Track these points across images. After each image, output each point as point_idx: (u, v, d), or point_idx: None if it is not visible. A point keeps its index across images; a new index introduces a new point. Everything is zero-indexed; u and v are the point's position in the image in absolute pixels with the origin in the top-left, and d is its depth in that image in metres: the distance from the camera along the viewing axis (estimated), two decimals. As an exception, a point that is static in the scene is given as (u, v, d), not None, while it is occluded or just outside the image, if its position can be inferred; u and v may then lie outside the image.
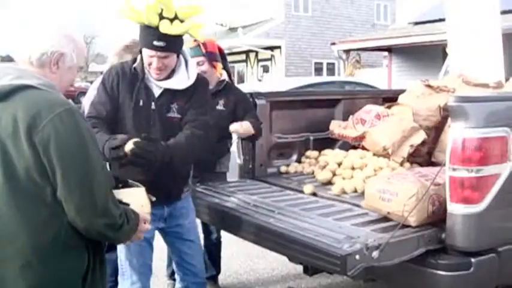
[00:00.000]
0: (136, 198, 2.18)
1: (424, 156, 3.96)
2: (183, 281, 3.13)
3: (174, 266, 3.18)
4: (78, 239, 1.89)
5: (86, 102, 3.45)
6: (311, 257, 2.39)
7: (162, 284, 4.21)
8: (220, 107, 3.77)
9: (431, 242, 2.54)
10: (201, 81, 3.01)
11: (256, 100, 3.96)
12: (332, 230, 2.57)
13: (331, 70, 23.16)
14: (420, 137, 3.74)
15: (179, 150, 2.77)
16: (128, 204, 2.05)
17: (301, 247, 2.43)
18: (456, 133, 2.48)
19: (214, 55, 3.82)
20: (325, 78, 15.05)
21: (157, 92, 2.83)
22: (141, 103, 2.79)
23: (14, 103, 1.81)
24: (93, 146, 1.89)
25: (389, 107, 3.95)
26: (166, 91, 2.84)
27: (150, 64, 2.78)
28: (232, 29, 23.25)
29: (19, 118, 1.78)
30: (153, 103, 2.81)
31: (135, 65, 2.85)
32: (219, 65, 3.86)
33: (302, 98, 4.47)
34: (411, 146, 3.70)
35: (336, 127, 4.08)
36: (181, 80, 2.87)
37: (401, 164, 3.67)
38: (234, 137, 3.99)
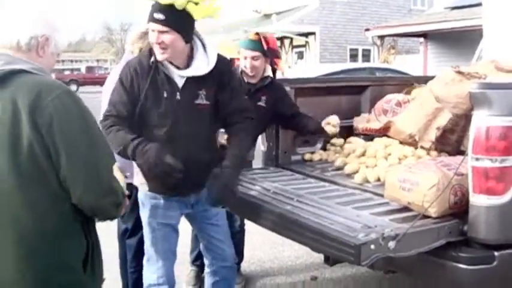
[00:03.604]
0: None
1: (453, 144, 3.84)
2: (212, 265, 3.12)
3: (202, 250, 3.17)
4: (78, 224, 1.90)
5: (106, 91, 3.40)
6: (325, 246, 2.33)
7: (185, 269, 4.22)
8: (261, 103, 3.66)
9: (453, 234, 2.45)
10: (226, 64, 2.97)
11: (280, 86, 3.90)
12: (349, 219, 2.50)
13: (366, 56, 22.85)
14: (445, 117, 3.61)
15: (244, 150, 2.97)
16: None
17: (316, 235, 2.38)
18: (479, 121, 2.38)
19: (276, 52, 3.73)
20: (356, 64, 14.86)
21: (180, 82, 2.78)
22: (165, 94, 2.75)
23: (10, 88, 1.81)
24: (94, 125, 1.91)
25: (408, 92, 3.86)
26: (190, 79, 2.79)
27: (153, 42, 2.73)
28: (267, 16, 23.14)
29: (19, 102, 1.78)
30: (178, 93, 2.77)
31: (152, 59, 2.77)
32: (281, 62, 3.78)
33: (327, 84, 4.38)
34: (438, 128, 3.58)
35: (360, 122, 4.00)
36: (201, 66, 2.81)
37: (429, 150, 3.56)
38: None
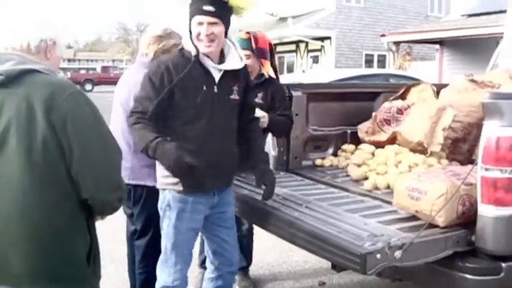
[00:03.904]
0: None
1: (464, 153, 3.83)
2: (218, 270, 3.09)
3: (208, 254, 3.15)
4: (84, 221, 1.97)
5: (117, 91, 3.42)
6: (332, 254, 2.34)
7: (194, 271, 4.23)
8: (258, 100, 3.68)
9: (460, 244, 2.44)
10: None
11: (292, 92, 3.91)
12: (356, 227, 2.50)
13: (382, 62, 22.75)
14: (449, 116, 3.59)
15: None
16: None
17: (323, 243, 2.38)
18: (490, 131, 2.37)
19: (264, 52, 3.71)
20: (370, 70, 14.80)
21: (217, 75, 2.81)
22: (204, 88, 2.77)
23: (23, 87, 1.87)
24: (103, 122, 2.00)
25: (403, 96, 3.84)
26: (226, 74, 2.83)
27: (198, 35, 2.73)
28: (283, 19, 23.12)
29: (33, 100, 1.84)
30: (215, 87, 2.80)
31: (194, 53, 2.76)
32: (267, 63, 3.73)
33: (339, 90, 4.39)
34: (444, 129, 3.57)
35: (364, 134, 3.99)
36: (237, 60, 2.88)
37: (441, 153, 3.54)
38: None
